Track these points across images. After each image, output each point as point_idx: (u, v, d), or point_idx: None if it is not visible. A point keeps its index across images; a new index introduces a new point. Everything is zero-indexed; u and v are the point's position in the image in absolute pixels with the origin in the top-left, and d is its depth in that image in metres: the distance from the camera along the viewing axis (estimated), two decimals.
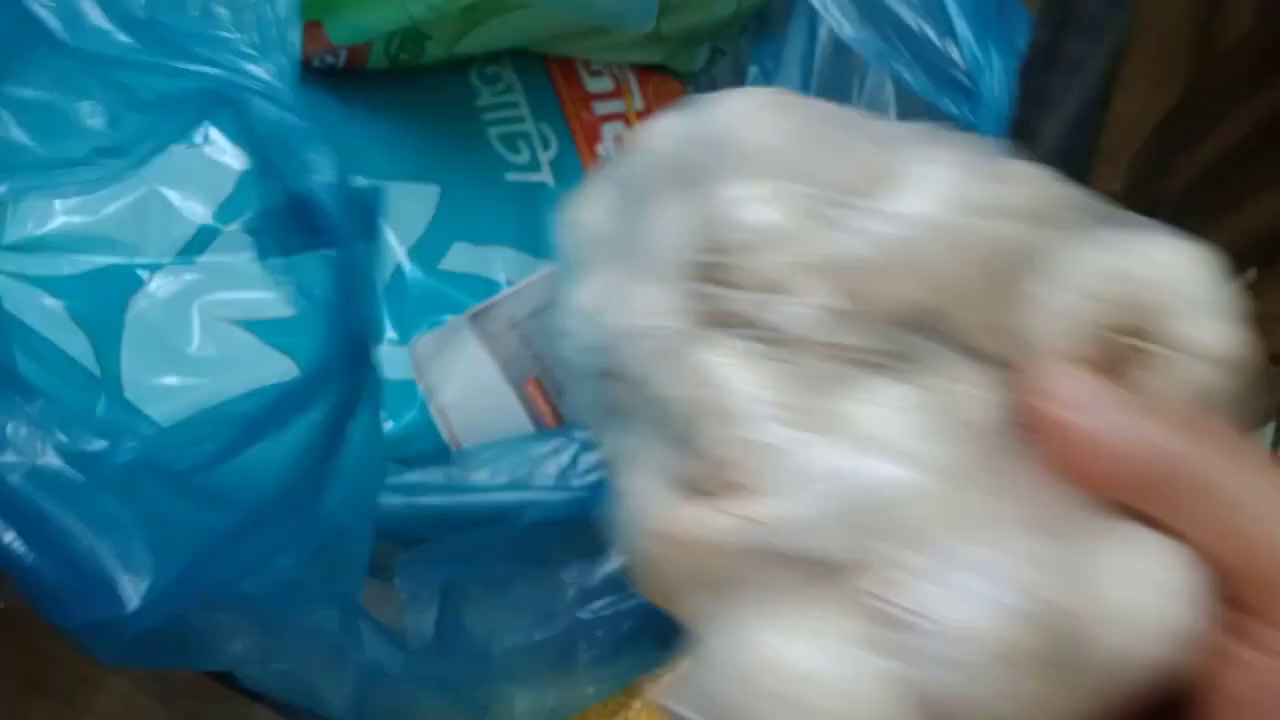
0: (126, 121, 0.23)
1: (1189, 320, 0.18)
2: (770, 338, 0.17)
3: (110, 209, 0.33)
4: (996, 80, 0.34)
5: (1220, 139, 0.61)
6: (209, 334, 0.35)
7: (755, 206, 0.17)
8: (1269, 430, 0.46)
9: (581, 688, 0.34)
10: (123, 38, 0.22)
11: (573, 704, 0.34)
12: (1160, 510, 0.16)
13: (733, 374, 0.17)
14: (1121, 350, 0.18)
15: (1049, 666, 0.15)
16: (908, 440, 0.16)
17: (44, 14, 0.22)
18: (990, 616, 0.15)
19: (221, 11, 0.22)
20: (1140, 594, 0.16)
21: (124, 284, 0.34)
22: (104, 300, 0.34)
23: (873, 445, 0.16)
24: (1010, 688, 0.15)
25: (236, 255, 0.36)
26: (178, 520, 0.25)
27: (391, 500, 0.30)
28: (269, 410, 0.23)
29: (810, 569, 0.16)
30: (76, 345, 0.33)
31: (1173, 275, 0.18)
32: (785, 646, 0.16)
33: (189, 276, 0.35)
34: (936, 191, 0.17)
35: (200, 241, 0.36)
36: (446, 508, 0.33)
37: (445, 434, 0.36)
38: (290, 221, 0.23)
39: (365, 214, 0.22)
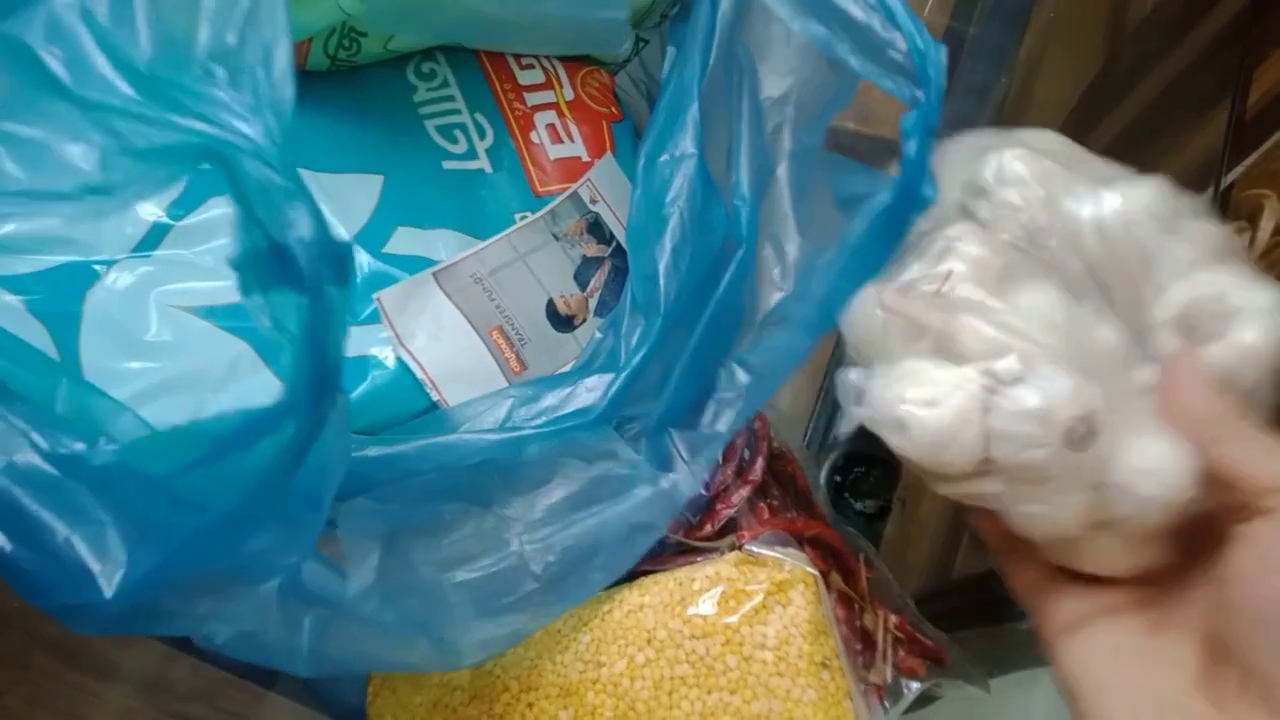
0: (117, 165, 0.25)
1: (1247, 327, 0.30)
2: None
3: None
4: (937, 67, 0.37)
5: (1129, 110, 0.67)
6: (165, 321, 0.37)
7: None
8: None
9: (531, 614, 0.36)
10: (124, 89, 0.24)
11: (524, 629, 0.36)
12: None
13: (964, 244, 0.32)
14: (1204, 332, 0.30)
15: (1073, 447, 0.28)
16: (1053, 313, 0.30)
17: (52, 62, 0.24)
18: (1054, 400, 0.28)
19: (220, 71, 0.25)
20: (1150, 456, 0.29)
21: (81, 279, 0.36)
22: (62, 294, 0.36)
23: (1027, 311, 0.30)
24: (1043, 448, 0.28)
25: (190, 249, 0.38)
26: (152, 519, 0.27)
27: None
28: (242, 429, 0.26)
29: (949, 351, 0.30)
30: (36, 336, 0.35)
31: (1244, 299, 0.30)
32: (918, 383, 0.30)
33: (145, 269, 0.37)
34: (1135, 202, 0.32)
35: (154, 237, 0.38)
36: (388, 459, 0.36)
37: (420, 375, 0.39)
38: (270, 262, 0.25)
39: (338, 264, 0.25)
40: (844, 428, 0.32)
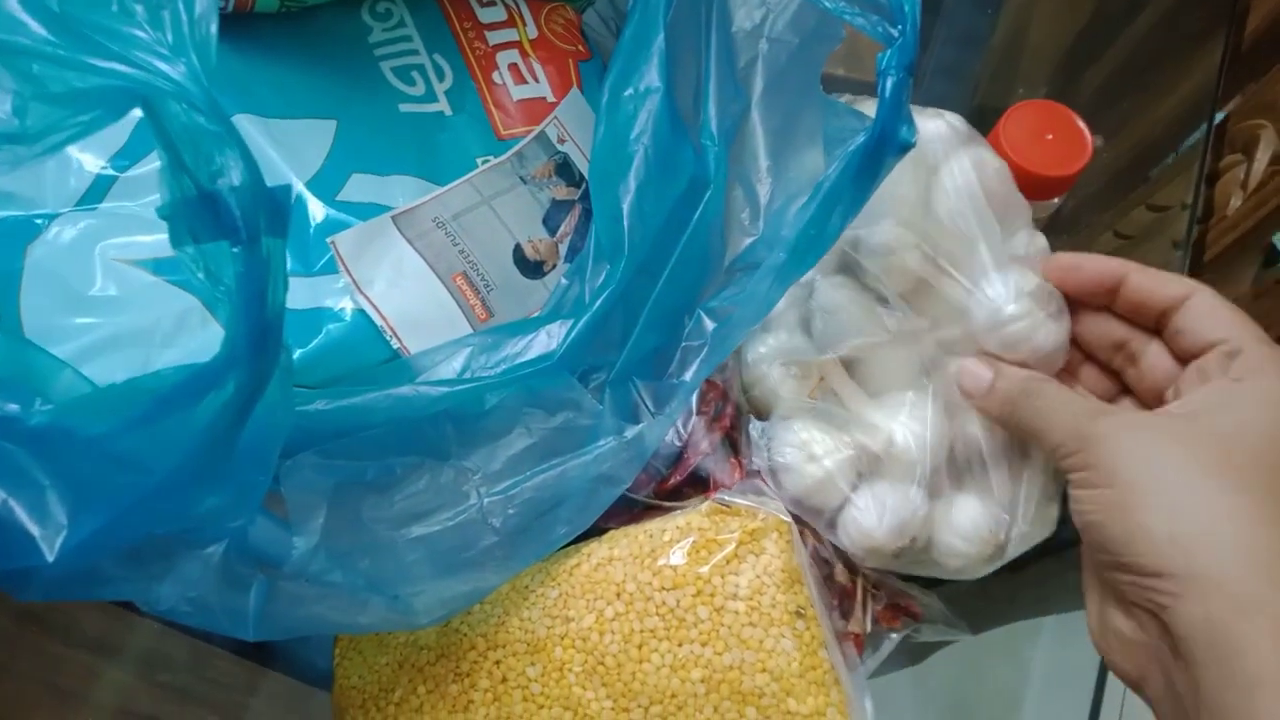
0: (33, 111, 0.24)
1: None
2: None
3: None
4: (912, 2, 0.36)
5: (1124, 47, 0.66)
6: (110, 275, 0.36)
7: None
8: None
9: (493, 569, 0.36)
10: (36, 29, 0.23)
11: (485, 585, 0.36)
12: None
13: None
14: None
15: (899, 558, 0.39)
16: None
17: None
18: (881, 532, 0.38)
19: (138, 8, 0.24)
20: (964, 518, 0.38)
21: (21, 233, 0.35)
22: (0, 250, 0.35)
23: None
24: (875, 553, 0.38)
25: (135, 200, 0.37)
26: (93, 480, 0.27)
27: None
28: (182, 386, 0.26)
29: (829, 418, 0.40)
30: None
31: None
32: (807, 436, 0.39)
33: (88, 223, 0.36)
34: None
35: (98, 190, 0.37)
36: (335, 412, 0.35)
37: (379, 323, 0.38)
38: (201, 211, 0.24)
39: (274, 211, 0.24)
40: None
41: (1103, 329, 0.38)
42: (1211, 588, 0.27)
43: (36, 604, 0.48)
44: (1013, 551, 0.39)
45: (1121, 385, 0.38)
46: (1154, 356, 0.36)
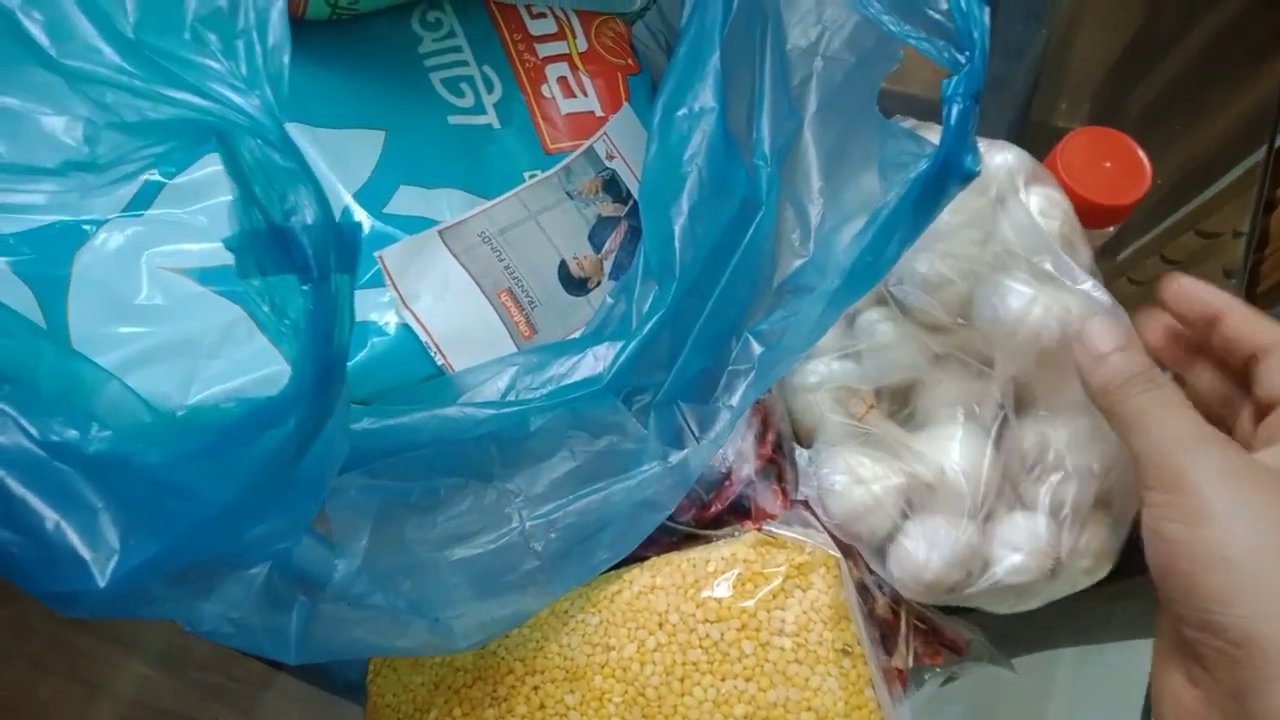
0: (105, 140, 0.24)
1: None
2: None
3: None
4: (981, 28, 0.36)
5: (1174, 65, 0.66)
6: (157, 284, 0.36)
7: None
8: None
9: (533, 593, 0.36)
10: (111, 57, 0.23)
11: (525, 609, 0.36)
12: None
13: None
14: None
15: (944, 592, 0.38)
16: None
17: (33, 28, 0.22)
18: (922, 568, 0.37)
19: (212, 37, 0.23)
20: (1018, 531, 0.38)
21: (69, 239, 0.35)
22: (49, 255, 0.35)
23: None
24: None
25: (183, 208, 0.37)
26: (146, 507, 0.27)
27: None
28: (244, 420, 0.26)
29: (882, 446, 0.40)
30: (20, 300, 0.34)
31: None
32: (855, 461, 0.39)
33: (135, 229, 0.36)
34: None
35: (145, 196, 0.37)
36: (381, 432, 0.35)
37: (424, 338, 0.38)
38: (271, 245, 0.24)
39: (345, 249, 0.24)
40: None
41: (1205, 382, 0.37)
42: None
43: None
44: (1071, 575, 0.38)
45: (1238, 386, 0.37)
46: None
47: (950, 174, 0.34)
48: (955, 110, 0.34)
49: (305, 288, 0.24)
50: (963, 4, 0.34)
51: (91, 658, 0.51)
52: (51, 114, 0.24)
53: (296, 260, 0.24)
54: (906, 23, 0.35)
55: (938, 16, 0.34)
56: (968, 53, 0.33)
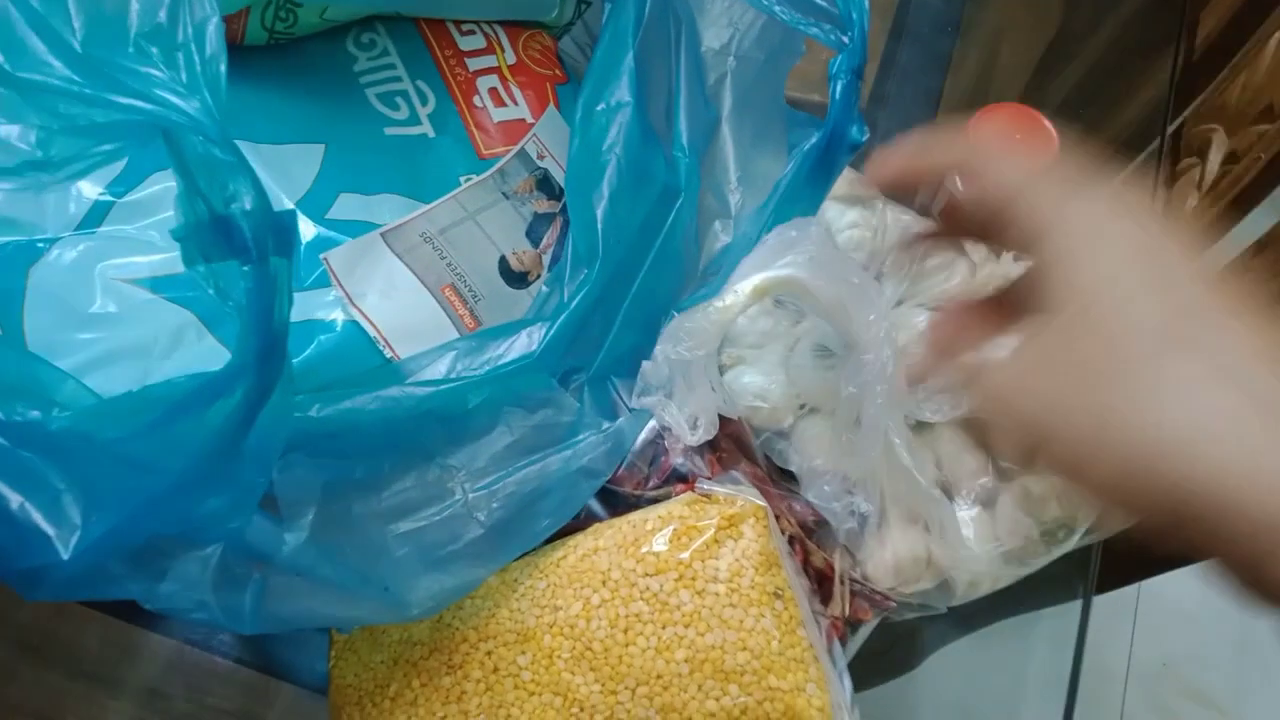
0: (57, 143, 0.27)
1: None
2: None
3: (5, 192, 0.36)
4: (860, 9, 0.40)
5: (1084, 63, 0.71)
6: (109, 294, 0.39)
7: None
8: None
9: (480, 561, 0.39)
10: (62, 70, 0.26)
11: (473, 577, 0.39)
12: None
13: None
14: None
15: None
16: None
17: None
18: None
19: (154, 50, 0.27)
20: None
21: (24, 256, 0.38)
22: (4, 270, 0.38)
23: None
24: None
25: (132, 224, 0.40)
26: (106, 482, 0.30)
27: None
28: (195, 393, 0.29)
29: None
30: None
31: None
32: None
33: (87, 245, 0.39)
34: None
35: (96, 214, 0.40)
36: (326, 417, 0.38)
37: (373, 333, 0.41)
38: (214, 233, 0.27)
39: (281, 233, 0.28)
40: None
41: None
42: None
43: (34, 635, 0.51)
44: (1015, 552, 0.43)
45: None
46: None
47: (838, 144, 0.38)
48: (840, 85, 0.38)
49: (246, 269, 0.27)
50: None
51: (74, 698, 0.53)
52: (5, 123, 0.27)
53: (237, 244, 0.27)
54: (796, 11, 0.39)
55: (822, 3, 0.39)
56: (849, 33, 0.38)
